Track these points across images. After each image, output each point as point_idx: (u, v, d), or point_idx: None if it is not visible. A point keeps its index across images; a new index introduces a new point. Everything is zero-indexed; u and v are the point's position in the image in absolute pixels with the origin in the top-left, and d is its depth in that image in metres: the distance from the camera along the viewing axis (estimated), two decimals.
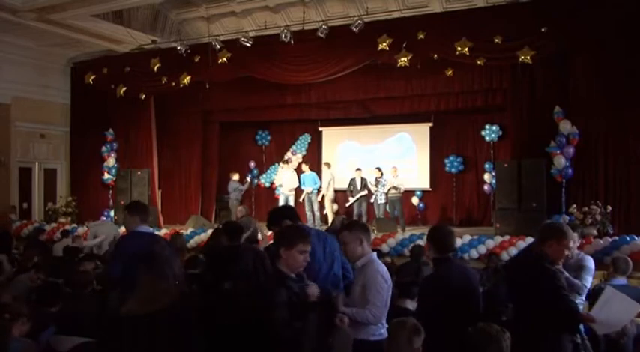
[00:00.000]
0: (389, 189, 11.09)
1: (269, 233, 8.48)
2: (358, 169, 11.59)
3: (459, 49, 9.22)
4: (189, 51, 11.18)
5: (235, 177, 12.72)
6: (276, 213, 3.90)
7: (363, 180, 11.40)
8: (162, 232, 10.06)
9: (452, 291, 3.20)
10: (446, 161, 12.59)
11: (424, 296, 3.38)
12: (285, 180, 12.09)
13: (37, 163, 13.63)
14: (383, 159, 12.79)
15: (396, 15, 10.62)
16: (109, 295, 4.18)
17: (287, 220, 3.71)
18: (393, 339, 2.76)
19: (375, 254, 3.40)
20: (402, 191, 11.19)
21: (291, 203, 11.57)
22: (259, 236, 7.81)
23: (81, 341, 3.17)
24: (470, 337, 2.66)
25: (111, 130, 13.50)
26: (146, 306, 2.76)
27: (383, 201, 11.15)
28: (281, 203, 11.67)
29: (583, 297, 4.06)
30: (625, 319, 3.19)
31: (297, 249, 2.95)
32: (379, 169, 11.31)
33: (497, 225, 9.49)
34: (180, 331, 2.81)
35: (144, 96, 12.52)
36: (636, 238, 7.75)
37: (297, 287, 2.95)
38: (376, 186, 11.18)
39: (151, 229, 5.04)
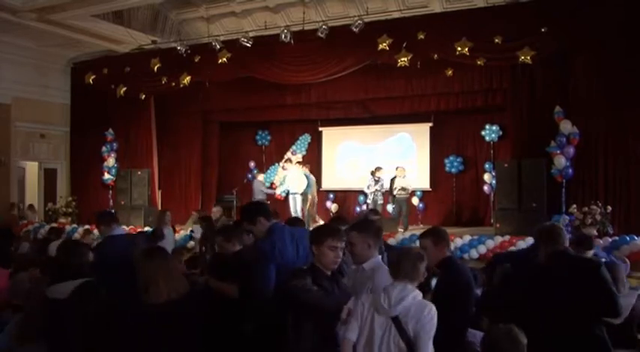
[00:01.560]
0: (395, 189, 11.02)
1: None
2: (400, 168, 11.38)
3: (459, 49, 9.21)
4: (189, 51, 11.18)
5: (261, 177, 12.74)
6: (250, 210, 3.80)
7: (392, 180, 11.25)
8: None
9: (470, 289, 3.36)
10: (446, 161, 12.59)
11: (462, 301, 3.30)
12: (292, 179, 11.78)
13: (37, 163, 13.65)
14: (383, 159, 12.80)
15: (396, 15, 10.62)
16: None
17: (261, 217, 3.63)
18: (398, 267, 2.81)
19: (380, 257, 3.35)
20: (409, 191, 11.18)
21: (299, 204, 11.33)
22: None
23: (81, 282, 3.35)
24: (494, 338, 2.64)
25: (111, 130, 13.50)
26: (170, 293, 2.92)
27: (381, 201, 11.14)
28: (291, 205, 11.42)
29: None
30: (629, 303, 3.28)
31: (326, 244, 2.96)
32: (379, 169, 11.28)
33: (498, 225, 9.49)
34: (195, 320, 3.00)
35: (144, 96, 12.53)
36: (636, 238, 7.75)
37: (328, 285, 2.95)
38: (375, 185, 11.15)
39: (122, 229, 5.36)
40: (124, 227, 11.00)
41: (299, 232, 3.75)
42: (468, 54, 9.24)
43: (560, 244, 3.21)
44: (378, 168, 11.31)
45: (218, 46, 10.98)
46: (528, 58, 8.86)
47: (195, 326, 3.00)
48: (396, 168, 11.26)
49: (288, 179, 11.90)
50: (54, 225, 10.92)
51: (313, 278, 2.94)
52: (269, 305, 3.27)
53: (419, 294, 2.76)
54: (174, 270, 3.09)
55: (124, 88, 12.45)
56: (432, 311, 2.67)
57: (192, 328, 2.97)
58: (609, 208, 8.50)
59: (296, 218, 5.81)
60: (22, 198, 13.40)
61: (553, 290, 3.06)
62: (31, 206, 13.06)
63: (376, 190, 11.10)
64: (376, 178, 11.15)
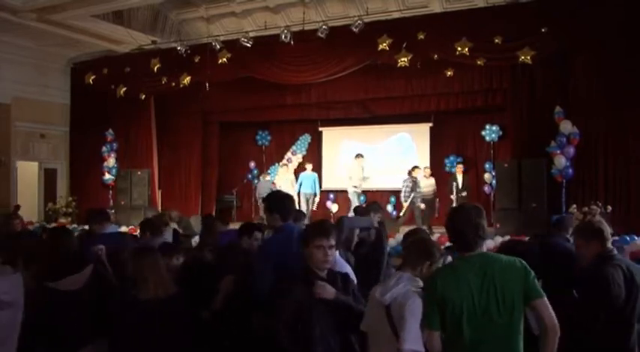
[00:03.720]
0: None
1: None
2: (463, 164, 11.21)
3: (459, 49, 9.22)
4: (189, 51, 11.18)
5: (268, 177, 12.73)
6: (274, 202, 3.72)
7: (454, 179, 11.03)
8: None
9: None
10: (446, 161, 12.58)
11: None
12: (354, 173, 11.23)
13: (37, 163, 13.65)
14: (383, 159, 12.80)
15: (396, 15, 10.63)
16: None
17: (278, 215, 3.59)
18: (404, 256, 2.95)
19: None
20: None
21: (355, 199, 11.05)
22: None
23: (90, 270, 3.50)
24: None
25: (111, 130, 13.50)
26: (159, 291, 3.07)
27: (420, 204, 10.69)
28: (354, 201, 10.97)
29: None
30: None
31: (313, 244, 2.90)
32: (417, 168, 10.85)
33: (498, 225, 9.49)
34: (185, 317, 3.14)
35: (144, 96, 12.53)
36: (636, 238, 7.75)
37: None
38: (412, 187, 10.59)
39: (114, 227, 5.39)
40: (124, 227, 11.06)
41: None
42: (468, 54, 9.25)
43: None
44: (415, 168, 10.81)
45: (218, 46, 10.98)
46: (528, 58, 8.86)
47: (183, 325, 3.09)
48: (459, 165, 11.31)
49: (356, 176, 11.16)
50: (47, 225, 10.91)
51: (306, 283, 2.86)
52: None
53: (412, 283, 2.71)
54: (163, 270, 3.18)
55: (124, 88, 12.45)
56: (414, 303, 2.62)
57: (180, 326, 3.06)
58: (609, 208, 8.49)
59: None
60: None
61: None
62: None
63: (413, 191, 10.44)
64: (413, 179, 10.53)
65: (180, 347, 3.12)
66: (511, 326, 2.40)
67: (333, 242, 2.93)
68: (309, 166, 12.26)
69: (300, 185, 11.82)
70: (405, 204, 10.48)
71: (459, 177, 11.05)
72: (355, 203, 10.74)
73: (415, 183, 10.53)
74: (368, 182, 11.62)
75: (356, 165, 11.14)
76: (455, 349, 2.45)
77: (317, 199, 12.02)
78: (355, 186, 11.04)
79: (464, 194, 10.83)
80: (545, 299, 2.42)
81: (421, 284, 2.72)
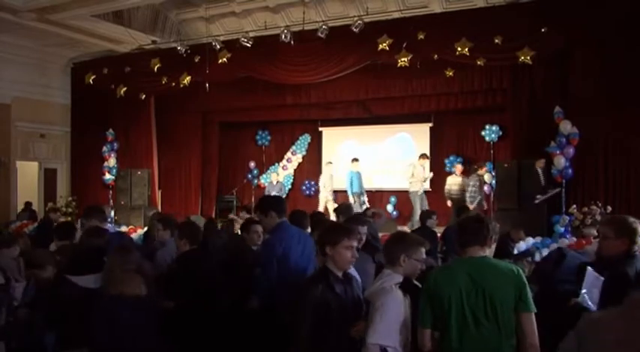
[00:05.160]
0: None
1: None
2: (541, 160, 9.19)
3: (459, 49, 9.21)
4: (189, 51, 11.18)
5: (273, 176, 12.71)
6: (265, 202, 3.96)
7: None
8: None
9: None
10: (446, 161, 12.58)
11: None
12: (420, 174, 10.64)
13: (37, 163, 13.65)
14: (383, 159, 12.79)
15: (396, 15, 10.62)
16: None
17: (273, 212, 3.75)
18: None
19: None
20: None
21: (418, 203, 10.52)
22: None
23: None
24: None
25: (111, 130, 13.49)
26: (125, 288, 3.09)
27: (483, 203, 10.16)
28: (416, 203, 10.55)
29: None
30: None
31: (342, 244, 2.90)
32: (483, 166, 10.44)
33: (498, 225, 9.43)
34: (152, 319, 3.18)
35: (144, 96, 12.53)
36: None
37: (340, 288, 2.87)
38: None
39: (111, 226, 5.38)
40: (124, 227, 11.07)
41: (303, 232, 3.92)
42: (468, 54, 9.23)
43: None
44: (481, 166, 10.40)
45: (218, 46, 10.97)
46: (528, 58, 8.85)
47: (150, 325, 3.12)
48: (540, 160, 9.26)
49: (417, 178, 10.64)
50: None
51: (326, 284, 2.85)
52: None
53: (389, 280, 2.74)
54: (133, 270, 3.20)
55: (124, 88, 12.44)
56: (382, 302, 2.65)
57: (145, 326, 3.08)
58: (609, 208, 8.49)
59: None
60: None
61: None
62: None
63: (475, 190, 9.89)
64: (480, 177, 10.12)
65: (147, 346, 3.12)
66: (499, 331, 2.42)
67: (356, 243, 3.00)
68: (356, 164, 11.40)
69: (351, 184, 11.23)
70: (472, 206, 9.69)
71: (540, 171, 9.22)
72: (418, 205, 10.44)
73: (481, 183, 10.02)
74: (371, 182, 11.52)
75: (418, 165, 10.80)
76: (443, 348, 2.46)
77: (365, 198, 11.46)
78: (422, 179, 10.57)
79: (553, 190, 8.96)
80: (533, 315, 2.44)
81: (399, 279, 2.75)
